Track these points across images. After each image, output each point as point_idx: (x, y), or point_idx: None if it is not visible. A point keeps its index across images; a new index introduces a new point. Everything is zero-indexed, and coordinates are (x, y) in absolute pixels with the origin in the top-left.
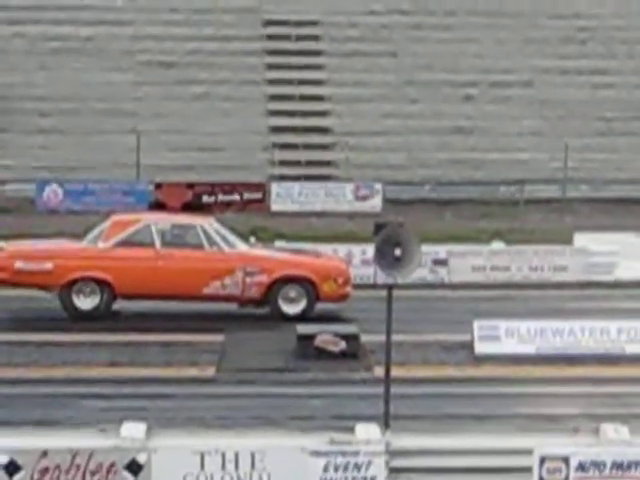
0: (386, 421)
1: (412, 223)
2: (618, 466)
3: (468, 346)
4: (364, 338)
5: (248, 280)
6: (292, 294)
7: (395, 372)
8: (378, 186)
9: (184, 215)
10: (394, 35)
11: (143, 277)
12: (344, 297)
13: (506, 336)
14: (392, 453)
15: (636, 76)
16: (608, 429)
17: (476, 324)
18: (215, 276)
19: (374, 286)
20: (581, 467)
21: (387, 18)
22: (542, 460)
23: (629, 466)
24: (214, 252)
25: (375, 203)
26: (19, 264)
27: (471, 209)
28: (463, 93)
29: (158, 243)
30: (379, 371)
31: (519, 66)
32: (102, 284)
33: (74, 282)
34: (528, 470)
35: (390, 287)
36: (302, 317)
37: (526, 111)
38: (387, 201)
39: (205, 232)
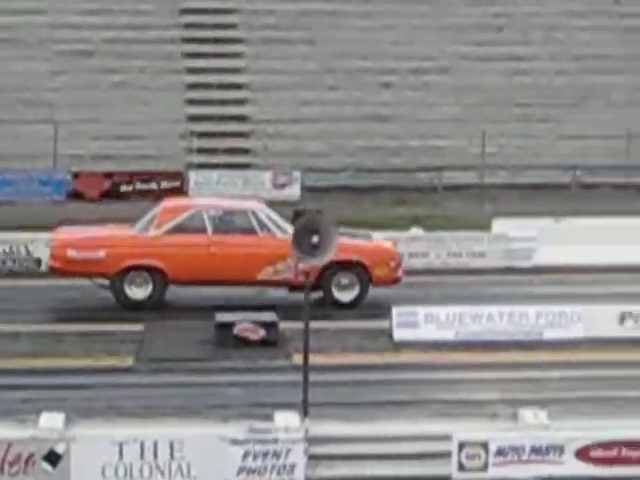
0: (305, 409)
1: (330, 210)
2: (537, 450)
3: (387, 333)
4: (283, 325)
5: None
6: (345, 279)
7: (314, 359)
8: (296, 174)
9: (235, 200)
10: (312, 22)
11: (196, 264)
12: (396, 281)
13: (425, 322)
14: (311, 440)
15: (553, 62)
16: (527, 414)
17: (395, 310)
18: (268, 261)
19: None
20: (500, 452)
21: (305, 5)
22: (461, 445)
23: (548, 450)
24: (266, 237)
25: (293, 191)
26: (72, 253)
27: (389, 196)
28: (381, 80)
29: (210, 229)
30: (298, 359)
31: (436, 53)
32: (154, 272)
33: (127, 270)
34: (447, 455)
35: (307, 274)
36: (356, 302)
37: (444, 98)
38: (305, 188)
39: (257, 217)
